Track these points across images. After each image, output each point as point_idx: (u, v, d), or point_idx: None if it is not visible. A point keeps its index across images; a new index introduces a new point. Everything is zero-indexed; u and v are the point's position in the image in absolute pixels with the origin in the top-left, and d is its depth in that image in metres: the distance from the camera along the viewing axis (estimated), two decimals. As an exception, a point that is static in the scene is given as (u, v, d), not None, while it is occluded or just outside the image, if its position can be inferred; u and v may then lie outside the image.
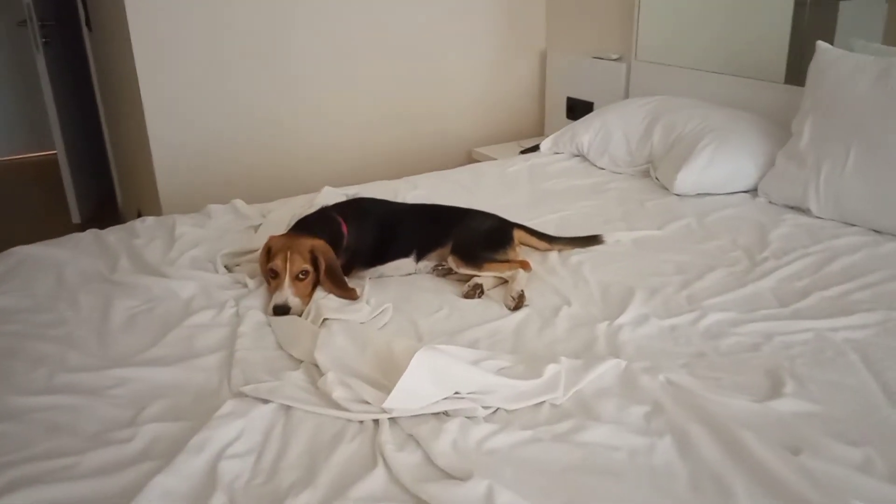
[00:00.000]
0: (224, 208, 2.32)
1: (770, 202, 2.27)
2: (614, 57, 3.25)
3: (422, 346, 1.33)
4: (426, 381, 1.27)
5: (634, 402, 1.30)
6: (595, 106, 3.35)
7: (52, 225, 4.31)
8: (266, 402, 1.31)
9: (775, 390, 1.33)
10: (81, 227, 2.16)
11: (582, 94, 3.46)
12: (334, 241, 1.78)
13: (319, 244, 1.72)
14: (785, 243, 1.97)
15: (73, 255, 1.98)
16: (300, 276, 1.69)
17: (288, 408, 1.30)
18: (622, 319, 1.60)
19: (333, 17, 3.15)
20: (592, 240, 2.02)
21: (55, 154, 4.25)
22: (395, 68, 3.38)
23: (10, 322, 1.65)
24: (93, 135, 4.48)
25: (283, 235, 1.75)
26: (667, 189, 2.43)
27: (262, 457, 1.19)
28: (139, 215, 3.59)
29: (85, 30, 4.01)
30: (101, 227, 2.20)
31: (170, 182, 2.98)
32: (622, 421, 1.26)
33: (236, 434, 1.22)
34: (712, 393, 1.31)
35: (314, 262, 1.70)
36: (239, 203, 2.33)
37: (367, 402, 1.28)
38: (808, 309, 1.63)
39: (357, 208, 1.93)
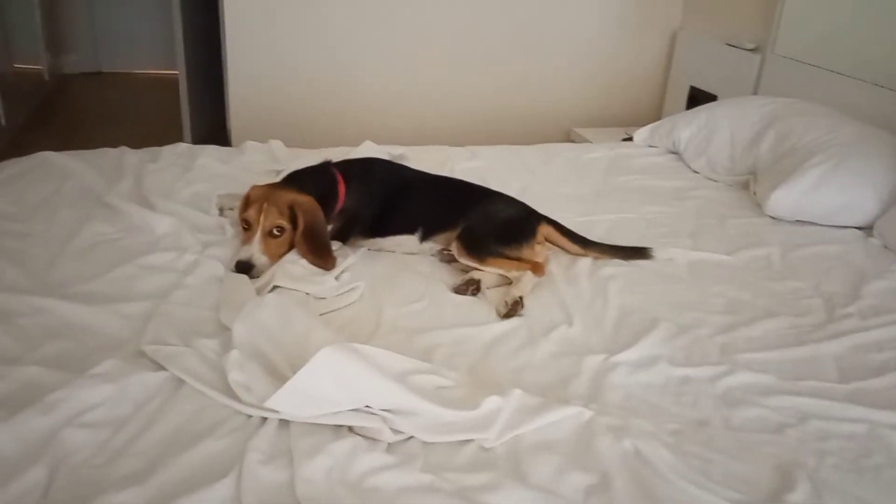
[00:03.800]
0: (260, 147, 2.17)
1: (885, 246, 1.83)
2: (750, 46, 2.80)
3: (339, 341, 1.10)
4: (329, 385, 1.05)
5: (579, 468, 1.02)
6: (720, 100, 2.91)
7: (161, 144, 4.40)
8: (160, 369, 1.14)
9: (776, 496, 1.00)
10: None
11: (707, 85, 3.03)
12: (326, 201, 1.57)
13: (303, 200, 1.52)
14: (881, 301, 1.56)
15: (87, 169, 1.90)
16: (274, 232, 1.50)
17: (182, 382, 1.13)
18: (623, 356, 1.29)
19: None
20: (638, 252, 1.69)
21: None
22: (503, 28, 3.09)
23: (-17, 225, 1.58)
24: (218, 60, 4.50)
25: (265, 185, 1.56)
26: (761, 208, 2.03)
27: (117, 433, 1.02)
28: (227, 144, 3.56)
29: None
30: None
31: (242, 114, 2.90)
32: (554, 490, 0.98)
33: (101, 400, 1.06)
34: (686, 480, 1.00)
35: (293, 220, 1.51)
36: (276, 144, 2.16)
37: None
38: (873, 393, 1.25)
39: (364, 169, 1.70)
